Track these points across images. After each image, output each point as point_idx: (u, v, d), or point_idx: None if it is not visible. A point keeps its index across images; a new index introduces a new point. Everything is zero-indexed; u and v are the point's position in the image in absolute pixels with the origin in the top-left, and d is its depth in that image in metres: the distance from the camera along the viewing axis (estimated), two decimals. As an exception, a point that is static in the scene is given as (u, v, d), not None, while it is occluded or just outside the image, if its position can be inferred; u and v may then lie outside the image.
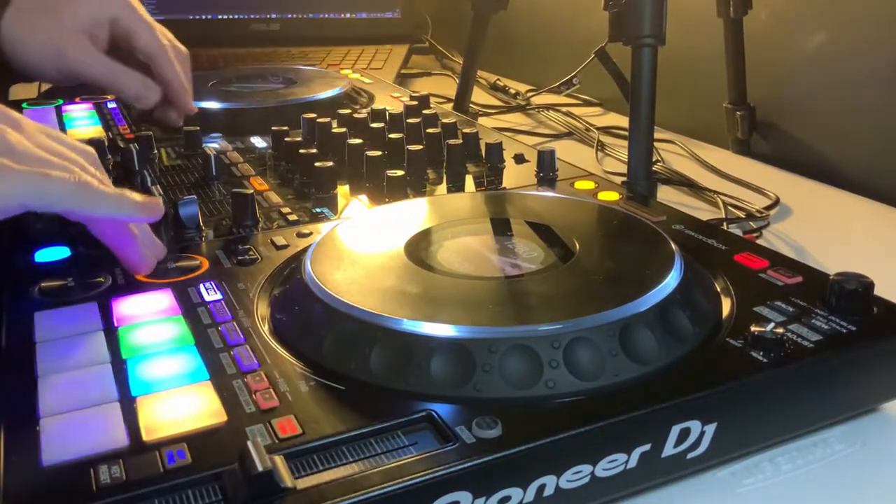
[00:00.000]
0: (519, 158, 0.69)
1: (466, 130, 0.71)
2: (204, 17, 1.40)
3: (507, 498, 0.32)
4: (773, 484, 0.37)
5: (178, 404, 0.35)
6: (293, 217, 0.56)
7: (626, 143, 0.67)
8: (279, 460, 0.30)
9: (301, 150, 0.66)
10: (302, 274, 0.43)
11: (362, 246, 0.46)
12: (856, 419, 0.41)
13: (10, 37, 0.71)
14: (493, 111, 1.08)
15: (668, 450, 0.35)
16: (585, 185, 0.62)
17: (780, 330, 0.39)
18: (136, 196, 0.45)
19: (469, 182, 0.65)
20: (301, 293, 0.41)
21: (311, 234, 0.53)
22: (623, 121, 0.79)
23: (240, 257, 0.49)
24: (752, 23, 0.85)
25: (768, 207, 0.70)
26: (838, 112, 0.82)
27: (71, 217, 0.44)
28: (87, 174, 0.44)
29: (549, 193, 0.61)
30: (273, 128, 0.71)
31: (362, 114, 0.75)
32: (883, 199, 0.74)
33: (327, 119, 0.72)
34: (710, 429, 0.36)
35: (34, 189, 0.41)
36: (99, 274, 0.47)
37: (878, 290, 0.42)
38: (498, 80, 1.20)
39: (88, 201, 0.42)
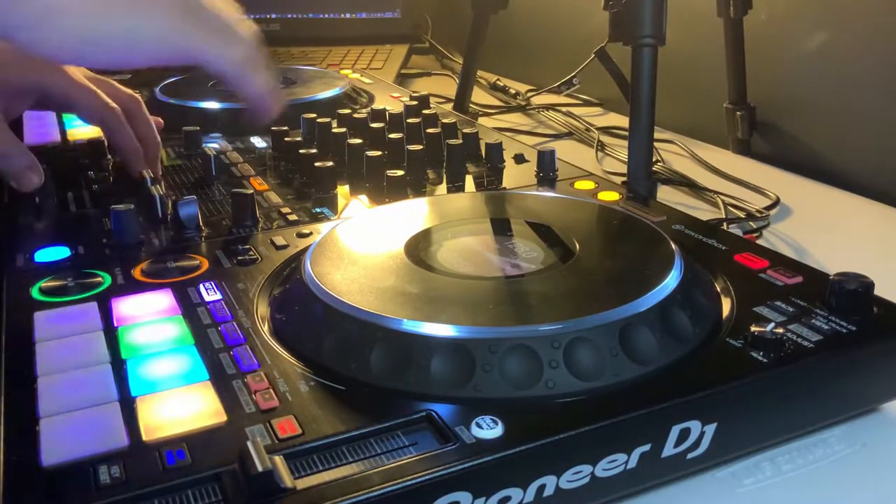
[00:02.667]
0: (519, 158, 0.69)
1: (466, 130, 0.71)
2: (204, 17, 1.39)
3: (507, 498, 0.32)
4: (773, 484, 0.37)
5: (178, 404, 0.35)
6: (293, 217, 0.56)
7: (626, 143, 0.66)
8: (279, 460, 0.30)
9: (301, 150, 0.66)
10: (302, 274, 0.43)
11: (362, 246, 0.46)
12: (856, 419, 0.41)
13: None
14: (493, 111, 1.08)
15: (668, 450, 0.35)
16: (585, 185, 0.62)
17: (781, 330, 0.39)
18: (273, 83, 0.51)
19: (469, 182, 0.65)
20: (301, 293, 0.41)
21: (311, 234, 0.53)
22: (623, 121, 0.79)
23: (240, 257, 0.49)
24: (752, 23, 0.85)
25: (768, 207, 0.70)
26: (838, 112, 0.82)
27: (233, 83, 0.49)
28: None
29: (549, 193, 0.61)
30: (273, 128, 0.71)
31: (362, 114, 0.75)
32: (883, 199, 0.74)
33: (327, 119, 0.72)
34: (710, 429, 0.36)
35: (213, 49, 0.47)
36: (99, 274, 0.47)
37: (878, 290, 0.42)
38: (498, 80, 1.20)
39: (246, 76, 0.49)
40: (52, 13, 0.42)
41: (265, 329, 0.41)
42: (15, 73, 0.62)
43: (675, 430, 0.35)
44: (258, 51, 0.50)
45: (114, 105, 0.64)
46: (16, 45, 0.42)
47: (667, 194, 0.75)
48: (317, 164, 0.62)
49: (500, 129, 0.88)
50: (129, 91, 0.67)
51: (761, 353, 0.38)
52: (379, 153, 0.64)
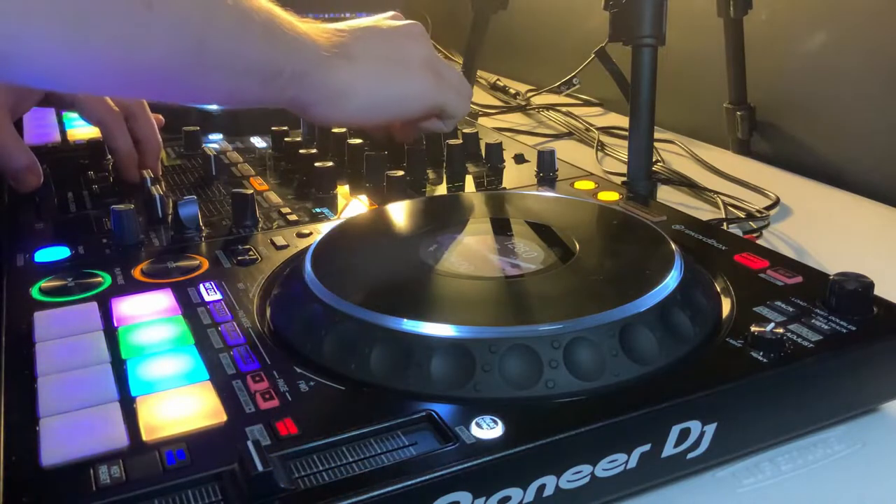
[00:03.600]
0: (519, 158, 0.69)
1: (466, 130, 0.71)
2: (204, 17, 1.39)
3: (507, 498, 0.32)
4: (773, 484, 0.37)
5: (178, 404, 0.35)
6: (293, 217, 0.56)
7: (626, 143, 0.67)
8: (279, 460, 0.30)
9: (301, 150, 0.66)
10: (302, 274, 0.43)
11: (362, 246, 0.46)
12: (856, 419, 0.41)
13: None
14: (493, 111, 1.08)
15: (668, 450, 0.35)
16: (585, 185, 0.62)
17: (780, 330, 0.39)
18: None
19: (469, 182, 0.65)
20: (301, 293, 0.41)
21: (311, 234, 0.53)
22: (623, 121, 0.79)
23: (240, 257, 0.49)
24: (752, 23, 0.85)
25: (768, 207, 0.70)
26: (838, 112, 0.82)
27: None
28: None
29: (549, 193, 0.61)
30: (273, 128, 0.71)
31: (362, 114, 0.75)
32: (883, 199, 0.74)
33: (327, 119, 0.72)
34: (710, 429, 0.36)
35: (453, 104, 0.59)
36: (99, 274, 0.47)
37: (878, 290, 0.42)
38: (498, 80, 1.20)
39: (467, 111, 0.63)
40: (340, 94, 0.52)
41: (265, 329, 0.41)
42: None
43: (675, 430, 0.35)
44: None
45: (114, 108, 0.64)
46: (305, 115, 0.54)
47: (667, 194, 0.75)
48: (317, 164, 0.62)
49: (500, 129, 0.88)
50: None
51: (761, 353, 0.38)
52: (379, 153, 0.64)
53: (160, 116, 0.71)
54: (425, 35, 0.60)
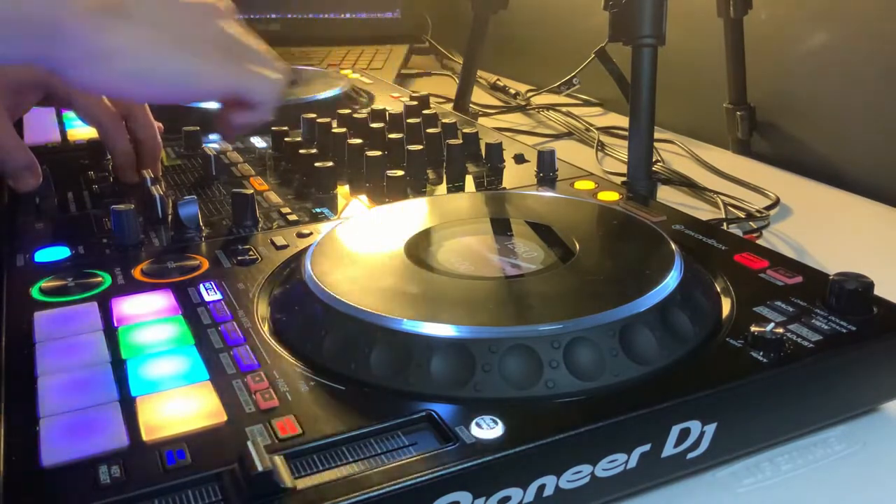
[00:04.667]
0: (519, 158, 0.69)
1: (466, 130, 0.71)
2: (204, 17, 1.39)
3: (507, 498, 0.32)
4: (773, 484, 0.37)
5: (178, 404, 0.35)
6: (293, 217, 0.56)
7: (626, 143, 0.66)
8: (279, 460, 0.30)
9: (301, 150, 0.66)
10: (302, 274, 0.43)
11: (362, 246, 0.46)
12: (856, 419, 0.41)
13: None
14: (493, 111, 1.08)
15: (668, 450, 0.35)
16: (585, 185, 0.62)
17: (780, 330, 0.39)
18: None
19: (469, 182, 0.65)
20: (301, 293, 0.41)
21: (311, 234, 0.53)
22: (623, 121, 0.79)
23: (240, 257, 0.49)
24: (752, 23, 0.85)
25: (768, 207, 0.70)
26: (838, 112, 0.82)
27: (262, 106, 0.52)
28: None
29: (549, 193, 0.61)
30: (273, 128, 0.71)
31: (362, 114, 0.75)
32: (883, 199, 0.74)
33: (327, 119, 0.72)
34: (710, 429, 0.36)
35: (248, 84, 0.51)
36: (99, 274, 0.47)
37: (878, 290, 0.42)
38: (498, 80, 1.20)
39: (272, 101, 0.53)
40: (104, 55, 0.44)
41: (265, 329, 0.41)
42: (20, 69, 0.63)
43: (675, 430, 0.35)
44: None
45: (113, 110, 0.64)
46: (63, 79, 0.45)
47: (667, 194, 0.75)
48: (317, 164, 0.62)
49: (500, 129, 0.88)
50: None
51: (761, 353, 0.38)
52: (379, 153, 0.64)
53: (159, 124, 0.71)
54: (232, 13, 0.54)
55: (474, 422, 0.33)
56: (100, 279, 0.46)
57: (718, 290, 0.44)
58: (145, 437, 0.33)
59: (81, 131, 0.77)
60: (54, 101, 0.66)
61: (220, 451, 0.32)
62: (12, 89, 0.62)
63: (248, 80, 0.51)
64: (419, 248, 0.45)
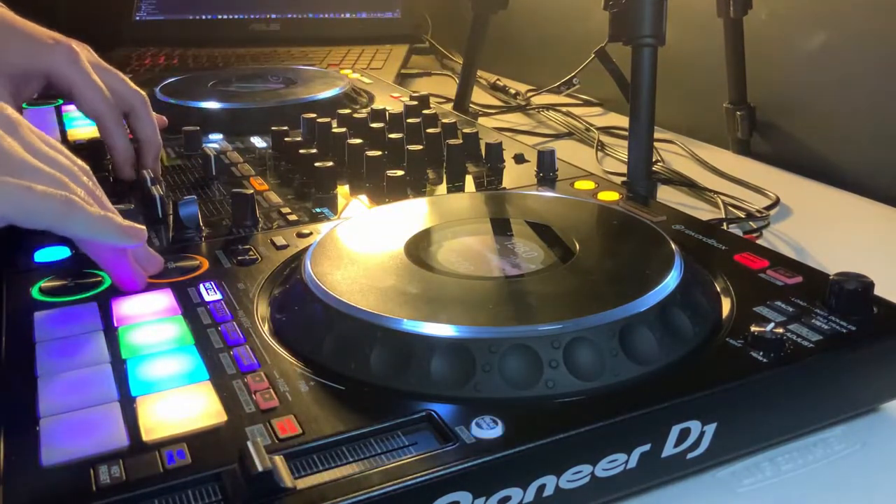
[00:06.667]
0: (519, 158, 0.69)
1: (466, 130, 0.71)
2: (204, 17, 1.40)
3: (507, 498, 0.32)
4: (773, 484, 0.37)
5: (178, 404, 0.35)
6: (293, 217, 0.56)
7: (626, 143, 0.66)
8: (279, 460, 0.30)
9: (301, 150, 0.66)
10: (302, 274, 0.43)
11: (362, 246, 0.46)
12: (856, 419, 0.41)
13: None
14: (493, 111, 1.08)
15: (668, 450, 0.35)
16: (585, 185, 0.62)
17: (780, 330, 0.39)
18: (120, 220, 0.44)
19: (469, 182, 0.65)
20: (301, 293, 0.41)
21: (311, 234, 0.53)
22: (623, 121, 0.79)
23: (240, 257, 0.49)
24: (752, 23, 0.85)
25: (768, 207, 0.70)
26: (839, 112, 0.82)
27: (56, 232, 0.43)
28: (79, 188, 0.43)
29: (549, 193, 0.61)
30: (273, 128, 0.71)
31: (362, 114, 0.75)
32: (883, 199, 0.74)
33: (327, 119, 0.72)
34: (710, 429, 0.36)
35: (15, 204, 0.40)
36: (99, 274, 0.47)
37: (878, 290, 0.42)
38: (498, 80, 1.20)
39: (70, 222, 0.42)
40: None
41: (265, 329, 0.41)
42: (22, 57, 0.63)
43: (675, 430, 0.35)
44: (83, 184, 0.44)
45: (113, 104, 0.64)
46: None
47: (667, 194, 0.74)
48: (317, 164, 0.62)
49: (500, 129, 0.88)
50: (137, 88, 0.67)
51: (761, 353, 0.38)
52: (379, 153, 0.64)
53: (163, 117, 0.71)
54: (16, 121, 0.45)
55: (474, 422, 0.33)
56: (100, 279, 0.46)
57: (718, 290, 0.44)
58: (145, 437, 0.33)
59: (81, 131, 0.77)
60: (55, 91, 0.66)
61: (220, 451, 0.32)
62: (16, 77, 0.63)
63: (12, 202, 0.40)
64: (419, 248, 0.46)
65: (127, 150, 0.64)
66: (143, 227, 0.46)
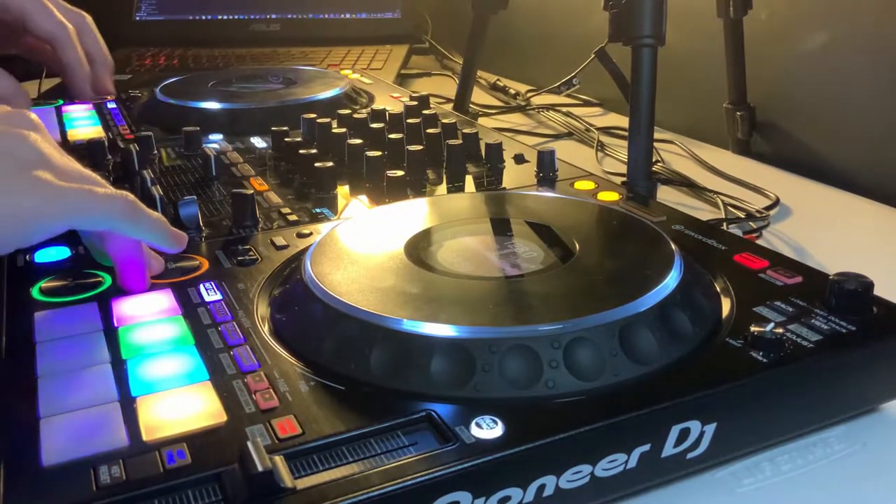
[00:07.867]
0: (519, 158, 0.69)
1: (466, 130, 0.71)
2: (204, 17, 1.40)
3: (507, 498, 0.32)
4: (773, 484, 0.37)
5: (178, 404, 0.35)
6: (293, 217, 0.56)
7: (626, 143, 0.66)
8: (279, 460, 0.30)
9: (301, 151, 0.66)
10: (302, 274, 0.43)
11: (362, 246, 0.46)
12: (856, 419, 0.41)
13: None
14: (493, 111, 1.08)
15: (668, 450, 0.35)
16: (585, 185, 0.62)
17: (780, 330, 0.39)
18: (168, 224, 0.46)
19: (469, 182, 0.65)
20: (301, 293, 0.41)
21: (311, 234, 0.53)
22: (623, 121, 0.79)
23: (240, 257, 0.49)
24: (752, 23, 0.85)
25: (768, 207, 0.70)
26: (839, 112, 0.82)
27: (118, 233, 0.43)
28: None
29: (549, 193, 0.61)
30: (273, 128, 0.71)
31: (362, 114, 0.75)
32: (883, 199, 0.74)
33: (327, 119, 0.72)
34: (710, 429, 0.36)
35: (81, 208, 0.40)
36: (99, 274, 0.47)
37: (878, 290, 0.42)
38: (498, 80, 1.20)
39: (134, 222, 0.43)
40: None
41: (265, 329, 0.41)
42: None
43: (675, 430, 0.35)
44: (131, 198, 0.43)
45: (66, 23, 0.64)
46: None
47: (667, 194, 0.75)
48: (317, 164, 0.62)
49: (500, 129, 0.88)
50: (77, 9, 0.68)
51: (761, 353, 0.38)
52: (379, 153, 0.64)
53: (87, 17, 0.72)
54: (38, 126, 0.44)
55: (474, 422, 0.33)
56: (100, 279, 0.46)
57: (718, 290, 0.44)
58: (145, 437, 0.33)
59: (81, 131, 0.77)
60: (8, 17, 0.66)
61: (220, 451, 0.32)
62: None
63: (89, 202, 0.41)
64: (419, 248, 0.46)
65: (83, 67, 0.65)
66: (186, 235, 0.48)
